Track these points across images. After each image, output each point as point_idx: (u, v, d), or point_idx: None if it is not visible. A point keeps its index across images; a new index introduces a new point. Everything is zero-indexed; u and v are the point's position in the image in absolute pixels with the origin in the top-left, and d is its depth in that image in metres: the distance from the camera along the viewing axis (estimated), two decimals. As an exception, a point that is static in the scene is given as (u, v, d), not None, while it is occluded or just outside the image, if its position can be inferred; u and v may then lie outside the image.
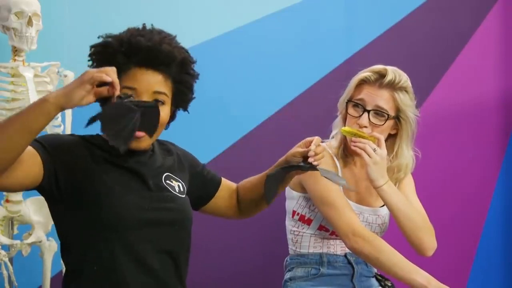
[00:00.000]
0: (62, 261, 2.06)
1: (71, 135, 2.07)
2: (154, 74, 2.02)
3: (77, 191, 1.97)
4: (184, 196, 2.12)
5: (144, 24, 2.09)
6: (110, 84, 1.84)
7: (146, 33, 2.04)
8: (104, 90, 1.84)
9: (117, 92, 1.85)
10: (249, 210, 2.32)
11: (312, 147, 2.11)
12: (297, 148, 2.16)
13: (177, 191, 2.10)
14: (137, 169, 2.04)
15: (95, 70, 1.83)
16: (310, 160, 2.09)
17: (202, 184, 2.25)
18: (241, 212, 2.32)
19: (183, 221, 2.08)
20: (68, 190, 1.96)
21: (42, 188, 1.96)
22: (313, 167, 2.11)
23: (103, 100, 1.88)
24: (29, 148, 1.90)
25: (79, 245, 1.99)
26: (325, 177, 2.17)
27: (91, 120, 1.87)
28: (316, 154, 2.10)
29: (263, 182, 2.17)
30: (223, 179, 2.31)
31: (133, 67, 2.00)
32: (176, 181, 2.13)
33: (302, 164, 2.12)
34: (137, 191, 2.01)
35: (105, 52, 2.02)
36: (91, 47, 2.06)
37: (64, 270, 2.07)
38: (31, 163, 1.90)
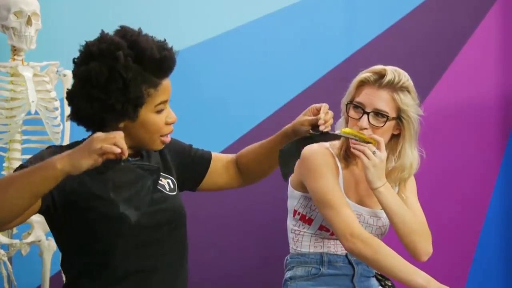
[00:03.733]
0: (62, 270, 2.06)
1: (54, 149, 2.01)
2: (168, 80, 2.02)
3: (73, 207, 1.96)
4: (175, 193, 2.11)
5: (139, 28, 2.02)
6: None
7: (163, 43, 2.00)
8: (111, 155, 1.79)
9: (125, 157, 1.82)
10: (253, 177, 2.31)
11: (322, 115, 2.09)
12: (305, 117, 2.14)
13: (168, 189, 2.09)
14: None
15: (102, 137, 1.78)
16: (321, 128, 2.08)
17: (192, 165, 2.23)
18: (245, 180, 2.31)
19: (179, 219, 2.08)
20: (65, 208, 1.95)
21: (40, 211, 1.95)
22: (324, 137, 2.09)
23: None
24: None
25: (80, 256, 1.99)
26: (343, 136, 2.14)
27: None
28: (325, 122, 2.08)
29: (270, 151, 2.18)
30: (213, 153, 2.29)
31: (162, 81, 1.99)
32: (165, 178, 2.12)
33: (313, 132, 2.09)
34: None
35: (116, 66, 1.93)
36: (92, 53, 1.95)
37: (64, 279, 2.07)
38: None
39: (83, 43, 1.99)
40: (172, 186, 2.12)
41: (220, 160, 2.28)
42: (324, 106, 2.12)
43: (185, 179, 2.20)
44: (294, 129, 2.16)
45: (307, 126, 2.12)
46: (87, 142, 1.79)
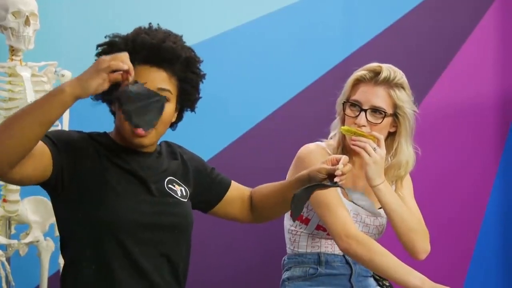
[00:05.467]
0: (60, 256, 2.07)
1: (79, 131, 2.07)
2: (158, 71, 2.02)
3: (79, 189, 1.97)
4: (186, 200, 2.11)
5: (150, 23, 2.09)
6: (125, 70, 1.85)
7: (151, 32, 2.05)
8: (118, 76, 1.85)
9: (132, 78, 1.86)
10: (265, 217, 2.29)
11: (340, 166, 2.07)
12: (323, 165, 2.11)
13: (179, 195, 2.09)
14: (138, 173, 2.03)
15: (109, 57, 1.84)
16: (336, 179, 2.07)
17: (210, 187, 2.23)
18: (255, 218, 2.29)
19: (184, 226, 2.08)
20: (71, 186, 1.96)
21: (48, 183, 1.95)
22: (339, 186, 2.09)
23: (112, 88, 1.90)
24: (39, 142, 1.89)
25: (77, 242, 1.99)
26: (352, 202, 2.17)
27: (109, 98, 1.93)
28: (343, 174, 2.07)
29: (283, 195, 2.16)
30: (233, 182, 2.28)
31: (137, 65, 1.99)
32: (179, 185, 2.12)
33: (329, 183, 2.09)
34: (137, 195, 2.01)
35: (111, 51, 1.99)
36: (98, 46, 2.05)
37: (62, 264, 2.07)
38: (41, 157, 1.90)
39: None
40: (184, 193, 2.11)
41: (238, 190, 2.28)
42: (344, 158, 2.10)
43: (200, 199, 2.20)
44: (310, 176, 2.13)
45: (324, 175, 2.11)
46: (94, 63, 1.84)
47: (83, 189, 1.97)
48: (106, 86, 1.84)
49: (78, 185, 1.97)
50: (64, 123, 3.19)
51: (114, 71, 1.84)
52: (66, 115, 3.16)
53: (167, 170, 2.11)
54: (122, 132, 2.02)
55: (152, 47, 2.01)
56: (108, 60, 1.83)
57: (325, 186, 2.10)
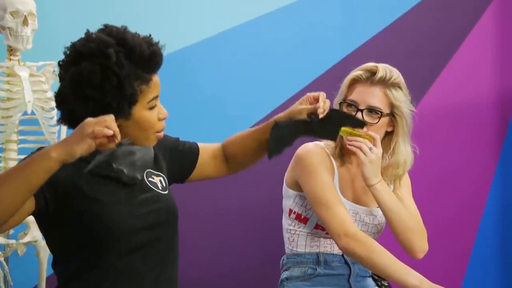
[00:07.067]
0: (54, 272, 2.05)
1: None
2: (158, 76, 2.01)
3: (67, 212, 1.94)
4: (167, 192, 2.09)
5: (123, 26, 2.01)
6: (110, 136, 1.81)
7: (150, 39, 1.99)
8: (104, 140, 1.79)
9: (117, 141, 1.81)
10: (240, 167, 2.29)
11: (321, 103, 2.08)
12: (302, 106, 2.12)
13: (160, 188, 2.07)
14: (122, 179, 2.00)
15: (94, 121, 1.78)
16: (320, 117, 2.07)
17: (182, 158, 2.21)
18: (230, 169, 2.29)
19: (172, 219, 2.07)
20: (58, 211, 1.93)
21: (33, 214, 1.93)
22: (323, 128, 2.08)
23: None
24: None
25: (73, 259, 1.97)
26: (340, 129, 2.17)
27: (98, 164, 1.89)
28: (324, 111, 2.08)
29: (259, 140, 2.17)
30: (201, 144, 2.26)
31: (152, 76, 1.97)
32: (157, 176, 2.10)
33: (313, 118, 2.08)
34: (125, 200, 1.99)
35: (117, 76, 1.91)
36: (100, 67, 1.91)
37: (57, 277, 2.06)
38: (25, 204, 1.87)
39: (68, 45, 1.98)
40: (164, 184, 2.10)
41: (207, 151, 2.26)
42: (322, 95, 2.11)
43: (175, 173, 2.19)
44: (290, 118, 2.14)
45: (304, 115, 2.11)
46: (79, 127, 1.78)
47: (71, 211, 1.94)
48: (93, 149, 1.79)
49: (65, 209, 1.93)
50: (63, 126, 3.18)
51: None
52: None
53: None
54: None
55: (161, 56, 1.99)
56: (92, 124, 1.77)
57: (310, 127, 2.09)
